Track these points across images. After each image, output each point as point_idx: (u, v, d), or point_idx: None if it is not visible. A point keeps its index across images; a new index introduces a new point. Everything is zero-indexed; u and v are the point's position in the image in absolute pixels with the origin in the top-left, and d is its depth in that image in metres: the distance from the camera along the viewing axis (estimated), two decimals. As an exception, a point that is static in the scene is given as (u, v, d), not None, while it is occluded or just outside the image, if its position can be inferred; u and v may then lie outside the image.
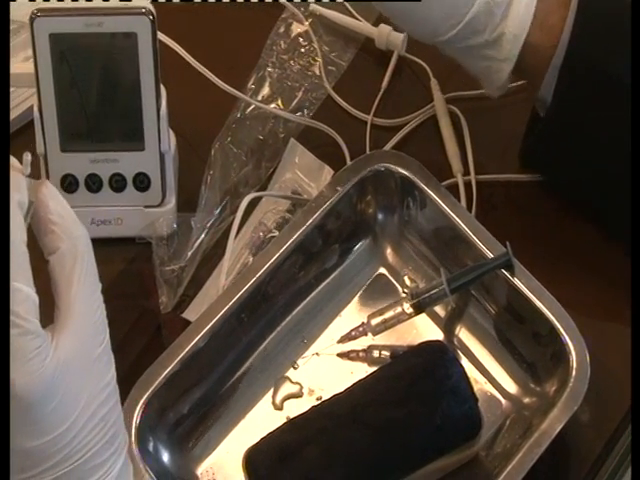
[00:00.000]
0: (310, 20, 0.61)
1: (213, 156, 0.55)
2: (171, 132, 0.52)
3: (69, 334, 0.34)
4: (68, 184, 0.51)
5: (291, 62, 0.59)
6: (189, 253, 0.52)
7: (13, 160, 0.35)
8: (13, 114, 0.55)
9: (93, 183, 0.51)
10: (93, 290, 0.35)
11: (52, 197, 0.35)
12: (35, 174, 0.53)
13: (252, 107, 0.57)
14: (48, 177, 0.51)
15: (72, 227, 0.35)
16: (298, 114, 0.57)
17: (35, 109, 0.49)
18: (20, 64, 0.53)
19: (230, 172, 0.55)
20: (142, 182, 0.51)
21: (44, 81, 0.48)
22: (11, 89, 0.54)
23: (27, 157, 0.35)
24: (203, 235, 0.53)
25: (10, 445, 0.33)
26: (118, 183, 0.51)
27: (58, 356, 0.33)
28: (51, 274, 0.35)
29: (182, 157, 0.56)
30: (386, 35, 0.58)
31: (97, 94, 0.49)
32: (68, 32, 0.47)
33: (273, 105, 0.58)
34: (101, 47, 0.48)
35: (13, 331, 0.32)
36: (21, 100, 0.56)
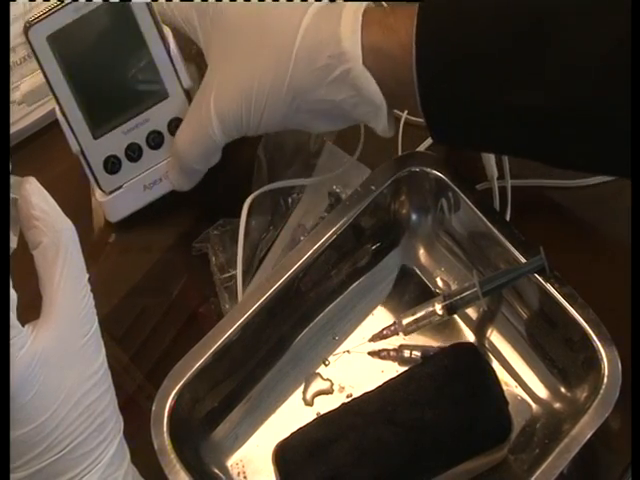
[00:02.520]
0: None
1: (259, 161, 0.54)
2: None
3: (49, 326, 0.34)
4: (111, 165, 0.50)
5: None
6: (239, 259, 0.51)
7: None
8: (13, 128, 0.54)
9: (133, 152, 0.50)
10: (77, 282, 0.35)
11: (35, 193, 0.35)
12: (74, 175, 0.52)
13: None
14: (91, 170, 0.50)
15: (55, 221, 0.35)
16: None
17: (58, 113, 0.48)
18: (28, 81, 0.52)
19: (277, 175, 0.54)
20: (177, 126, 0.50)
21: (57, 85, 0.46)
22: (21, 106, 0.53)
23: None
24: (260, 239, 0.52)
25: None
26: (155, 140, 0.50)
27: (35, 347, 0.33)
28: (36, 268, 0.35)
29: (226, 161, 0.54)
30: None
31: (109, 69, 0.48)
32: (62, 26, 0.45)
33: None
34: (97, 23, 0.46)
35: None
36: (21, 116, 0.54)
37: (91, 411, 0.35)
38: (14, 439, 0.33)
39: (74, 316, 0.35)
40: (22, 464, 0.34)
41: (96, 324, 0.36)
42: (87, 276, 0.36)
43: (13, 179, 0.35)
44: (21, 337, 0.33)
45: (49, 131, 0.55)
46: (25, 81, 0.53)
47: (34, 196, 0.35)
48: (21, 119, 0.55)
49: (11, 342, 0.32)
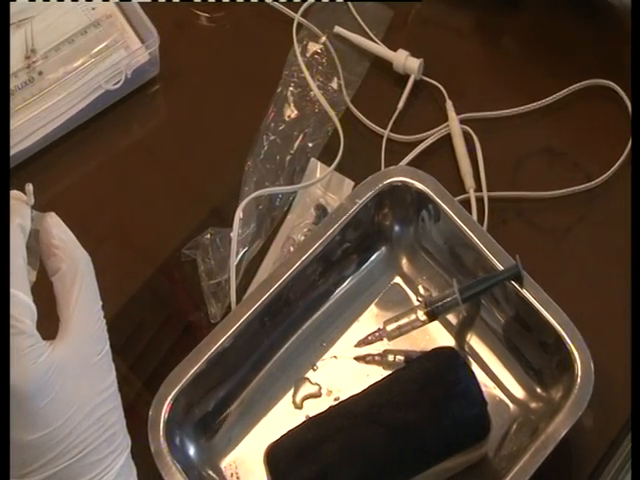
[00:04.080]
0: (325, 36, 0.60)
1: (246, 173, 0.55)
2: None
3: (66, 341, 0.36)
4: None
5: (311, 79, 0.58)
6: (232, 266, 0.51)
7: (18, 193, 0.37)
8: (33, 138, 0.55)
9: None
10: (92, 305, 0.37)
11: (55, 225, 0.37)
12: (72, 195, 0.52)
13: (281, 127, 0.57)
14: None
15: (73, 250, 0.37)
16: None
17: None
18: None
19: (264, 188, 0.54)
20: None
21: None
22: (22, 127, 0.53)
23: (29, 187, 0.38)
24: (244, 249, 0.53)
25: (11, 440, 0.34)
26: None
27: (52, 358, 0.35)
28: (55, 293, 0.37)
29: (217, 175, 0.56)
30: (403, 60, 0.58)
31: None
32: None
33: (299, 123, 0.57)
34: None
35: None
36: (41, 125, 0.55)
37: (102, 422, 0.36)
38: (30, 442, 0.34)
39: (88, 336, 0.36)
40: (37, 468, 0.35)
41: (108, 345, 0.37)
42: (101, 303, 0.37)
43: (35, 213, 0.37)
44: (39, 346, 0.35)
45: (49, 152, 0.56)
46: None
47: (54, 228, 0.37)
48: (22, 141, 0.55)
49: (30, 349, 0.34)
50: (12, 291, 0.34)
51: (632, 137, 0.42)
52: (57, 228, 0.37)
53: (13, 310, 0.34)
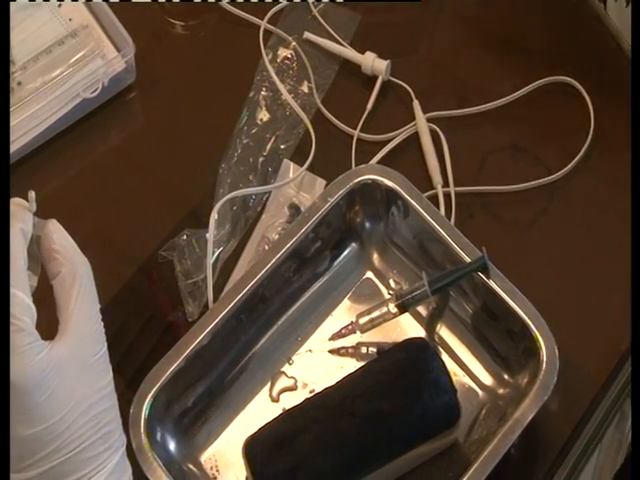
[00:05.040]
0: (295, 42, 0.60)
1: (220, 176, 0.55)
2: None
3: (64, 340, 0.36)
4: None
5: (281, 83, 0.58)
6: (208, 266, 0.52)
7: (20, 200, 0.38)
8: (13, 147, 0.55)
9: None
10: (91, 307, 0.38)
11: (56, 231, 0.38)
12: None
13: (254, 130, 0.57)
14: None
15: (73, 255, 0.38)
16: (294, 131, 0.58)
17: None
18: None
19: (238, 189, 0.55)
20: None
21: None
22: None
23: (31, 194, 0.39)
24: (220, 249, 0.53)
25: (10, 435, 0.35)
26: None
27: (51, 356, 0.35)
28: (55, 296, 0.37)
29: (193, 178, 0.56)
30: (371, 62, 0.58)
31: None
32: None
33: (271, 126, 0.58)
34: None
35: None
36: (21, 134, 0.55)
37: (98, 420, 0.37)
38: (27, 437, 0.35)
39: (86, 336, 0.37)
40: (34, 462, 0.35)
41: (105, 347, 0.38)
42: (99, 306, 0.38)
43: (36, 220, 0.38)
44: (38, 344, 0.35)
45: (29, 159, 0.57)
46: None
47: (55, 234, 0.38)
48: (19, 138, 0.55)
49: (29, 347, 0.35)
50: (12, 290, 0.35)
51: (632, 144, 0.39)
52: (58, 234, 0.38)
53: (13, 309, 0.35)
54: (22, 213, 0.38)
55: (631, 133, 0.44)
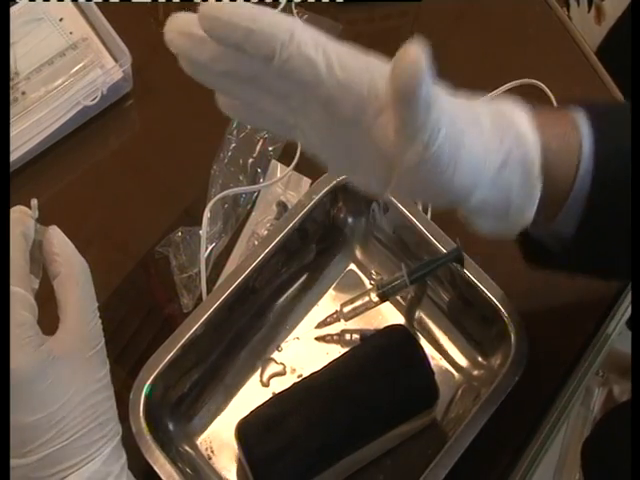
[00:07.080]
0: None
1: (213, 176, 0.56)
2: None
3: (64, 334, 0.37)
4: None
5: None
6: (202, 260, 0.52)
7: (23, 207, 0.40)
8: (19, 152, 0.55)
9: None
10: (88, 305, 0.39)
11: (56, 236, 0.39)
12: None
13: (243, 134, 0.58)
14: None
15: (71, 257, 0.39)
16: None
17: None
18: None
19: (229, 189, 0.55)
20: None
21: None
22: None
23: (34, 202, 0.40)
24: (212, 244, 0.54)
25: (11, 422, 0.35)
26: None
27: (51, 347, 0.36)
28: (55, 295, 0.38)
29: (187, 179, 0.57)
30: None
31: None
32: None
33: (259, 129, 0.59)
34: None
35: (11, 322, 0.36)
36: (25, 140, 0.56)
37: (95, 409, 0.37)
38: (30, 423, 0.36)
39: (84, 332, 0.38)
40: (34, 448, 0.36)
41: (103, 342, 0.39)
42: (96, 304, 0.39)
43: (38, 226, 0.40)
44: (39, 337, 0.36)
45: (33, 165, 0.57)
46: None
47: (56, 238, 0.39)
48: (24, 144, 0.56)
49: (30, 339, 0.36)
50: (14, 288, 0.36)
51: (632, 144, 0.35)
52: (58, 238, 0.39)
53: (15, 304, 0.36)
54: (25, 219, 0.39)
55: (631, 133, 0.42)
